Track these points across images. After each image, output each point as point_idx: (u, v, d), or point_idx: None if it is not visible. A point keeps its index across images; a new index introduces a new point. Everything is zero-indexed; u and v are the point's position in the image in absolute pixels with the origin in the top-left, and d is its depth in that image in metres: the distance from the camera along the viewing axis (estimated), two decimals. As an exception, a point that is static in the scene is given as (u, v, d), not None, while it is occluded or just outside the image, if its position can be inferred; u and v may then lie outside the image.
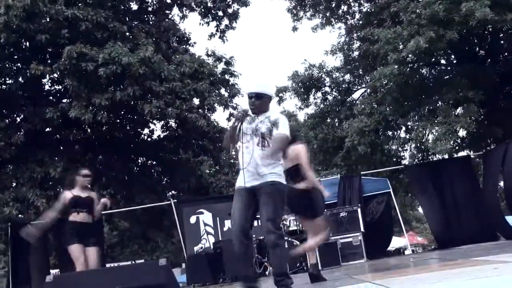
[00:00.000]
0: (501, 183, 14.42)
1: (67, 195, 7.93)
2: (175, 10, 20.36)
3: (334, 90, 22.91)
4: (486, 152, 14.16)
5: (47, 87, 17.73)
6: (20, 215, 15.51)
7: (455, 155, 18.09)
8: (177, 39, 19.82)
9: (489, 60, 18.28)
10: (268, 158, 5.17)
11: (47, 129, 16.44)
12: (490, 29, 16.38)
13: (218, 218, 13.56)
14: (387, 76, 16.15)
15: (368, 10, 21.28)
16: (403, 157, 21.96)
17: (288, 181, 5.96)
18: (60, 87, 17.20)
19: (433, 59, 18.19)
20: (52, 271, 13.48)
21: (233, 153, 5.06)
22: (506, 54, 18.32)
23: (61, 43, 14.91)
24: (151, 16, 19.61)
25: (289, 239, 10.44)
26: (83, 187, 8.02)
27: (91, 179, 8.25)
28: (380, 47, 16.11)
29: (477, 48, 18.53)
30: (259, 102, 5.43)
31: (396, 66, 15.99)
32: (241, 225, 5.20)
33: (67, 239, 7.71)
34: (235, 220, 5.25)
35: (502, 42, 18.14)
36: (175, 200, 14.45)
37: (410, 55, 15.68)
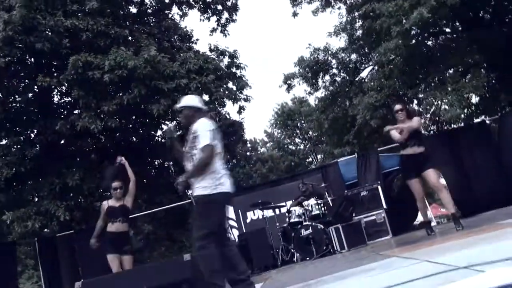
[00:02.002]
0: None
1: (104, 205, 8.48)
2: (175, 9, 20.40)
3: (341, 71, 22.81)
4: (501, 116, 13.99)
5: (56, 99, 17.83)
6: (46, 229, 15.65)
7: (471, 122, 17.91)
8: (179, 37, 19.82)
9: (494, 23, 18.05)
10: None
11: (62, 142, 16.57)
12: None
13: (240, 210, 13.58)
14: (393, 50, 16.03)
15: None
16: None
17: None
18: (69, 98, 17.29)
19: (437, 28, 18.00)
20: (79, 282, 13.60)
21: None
22: (511, 16, 18.07)
23: (64, 53, 14.98)
24: (151, 17, 19.62)
25: (313, 223, 10.43)
26: (118, 198, 8.38)
27: (122, 190, 8.55)
28: (383, 21, 15.98)
29: (482, 13, 18.30)
30: (183, 115, 5.91)
31: (400, 41, 15.83)
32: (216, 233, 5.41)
33: (106, 247, 8.17)
34: None
35: (506, 3, 17.88)
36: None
37: (414, 27, 15.50)
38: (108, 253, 8.07)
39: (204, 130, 5.57)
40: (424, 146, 8.08)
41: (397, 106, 8.31)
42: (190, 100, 6.04)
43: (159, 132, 19.31)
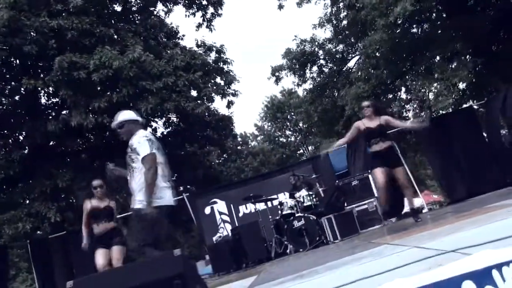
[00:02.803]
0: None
1: (87, 205, 8.21)
2: (159, 5, 20.34)
3: (329, 61, 22.86)
4: (487, 101, 14.08)
5: (43, 100, 17.78)
6: (38, 231, 15.63)
7: (460, 108, 18.00)
8: (165, 34, 19.77)
9: (478, 8, 18.10)
10: (133, 185, 5.59)
11: (51, 143, 16.52)
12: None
13: (232, 205, 13.61)
14: (378, 42, 16.07)
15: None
16: (407, 118, 21.91)
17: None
18: (57, 99, 17.23)
19: (422, 16, 18.05)
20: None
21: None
22: (494, 0, 18.14)
23: (50, 55, 14.92)
24: (137, 15, 19.55)
25: (305, 214, 10.45)
26: (99, 198, 8.15)
27: (103, 189, 8.30)
28: (367, 13, 16.01)
29: (466, -1, 18.35)
30: (123, 130, 5.92)
31: (385, 33, 15.86)
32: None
33: (93, 246, 8.04)
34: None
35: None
36: (187, 194, 14.49)
37: (398, 18, 15.52)
38: (95, 249, 7.96)
39: (142, 141, 5.64)
40: (391, 140, 8.28)
41: (365, 103, 8.61)
42: (128, 115, 6.06)
43: (149, 130, 19.28)
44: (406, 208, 18.20)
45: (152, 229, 5.41)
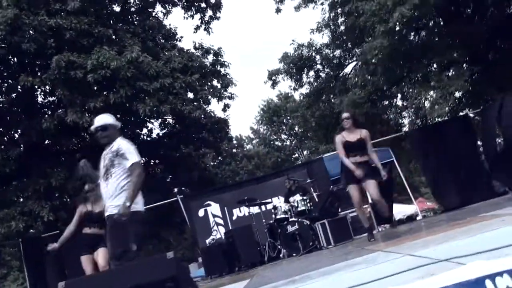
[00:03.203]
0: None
1: (82, 209, 8.18)
2: (158, 7, 20.36)
3: (326, 67, 22.87)
4: (483, 109, 14.11)
5: (40, 99, 17.75)
6: (31, 230, 15.57)
7: (456, 116, 18.07)
8: (163, 36, 19.79)
9: (476, 17, 18.17)
10: (110, 190, 5.54)
11: (46, 141, 16.49)
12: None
13: (226, 208, 13.59)
14: (377, 49, 16.09)
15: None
16: (403, 125, 21.97)
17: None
18: (54, 98, 17.22)
19: (420, 23, 18.10)
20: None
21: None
22: (492, 9, 18.20)
23: (48, 54, 14.92)
24: (135, 16, 19.57)
25: (299, 219, 10.45)
26: (94, 202, 8.12)
27: (94, 193, 8.25)
28: (367, 19, 16.02)
29: (463, 7, 18.41)
30: (107, 133, 5.82)
31: (385, 39, 15.86)
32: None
33: (79, 249, 8.06)
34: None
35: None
36: (182, 196, 14.46)
37: (397, 24, 15.53)
38: (82, 254, 7.99)
39: (130, 147, 5.69)
40: (368, 157, 8.06)
41: (345, 114, 8.35)
42: (110, 119, 6.01)
43: (144, 130, 19.30)
44: (400, 215, 18.20)
45: (129, 235, 5.39)
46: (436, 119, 18.43)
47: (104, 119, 5.96)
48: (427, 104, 18.34)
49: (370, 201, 11.74)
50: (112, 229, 5.45)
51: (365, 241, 9.25)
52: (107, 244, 5.43)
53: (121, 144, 5.70)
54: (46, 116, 15.69)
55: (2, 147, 16.01)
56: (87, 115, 15.00)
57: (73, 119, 14.54)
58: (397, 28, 16.70)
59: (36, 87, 15.89)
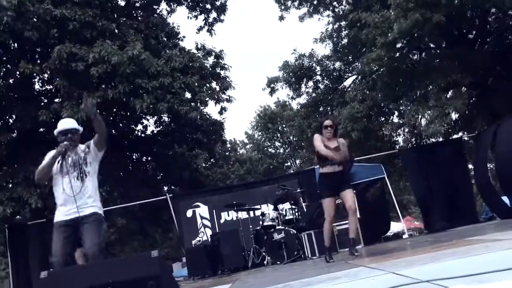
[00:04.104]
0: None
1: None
2: (163, 4, 20.36)
3: (325, 78, 22.92)
4: (478, 134, 14.20)
5: (37, 86, 17.71)
6: (18, 216, 15.53)
7: (449, 138, 18.14)
8: (166, 34, 19.78)
9: (478, 42, 18.28)
10: (89, 190, 5.56)
11: (40, 129, 16.44)
12: (478, 12, 16.32)
13: (214, 210, 13.59)
14: (375, 60, 16.15)
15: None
16: (397, 142, 22.03)
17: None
18: (51, 87, 17.18)
19: (422, 44, 18.19)
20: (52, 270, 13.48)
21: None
22: (494, 35, 18.32)
23: (50, 43, 14.91)
24: (139, 11, 19.57)
25: (286, 228, 10.47)
26: None
27: None
28: (369, 32, 16.09)
29: (466, 31, 18.52)
30: (77, 136, 5.88)
31: (383, 52, 15.92)
32: (64, 260, 5.36)
33: None
34: (58, 255, 5.41)
35: (489, 25, 18.13)
36: (171, 195, 14.46)
37: (397, 38, 15.58)
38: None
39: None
40: (344, 166, 7.81)
41: (328, 122, 7.92)
42: (76, 124, 6.12)
43: (140, 126, 19.30)
44: (389, 232, 18.20)
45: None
46: (431, 138, 18.48)
47: (75, 123, 6.08)
48: (423, 121, 18.40)
49: (358, 215, 11.81)
50: (99, 226, 5.48)
51: (349, 255, 9.28)
52: (90, 239, 5.37)
53: (88, 145, 5.79)
54: (42, 104, 15.60)
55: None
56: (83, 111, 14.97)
57: (69, 115, 14.52)
58: (399, 45, 16.80)
59: (35, 74, 15.85)
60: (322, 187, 7.82)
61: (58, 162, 5.63)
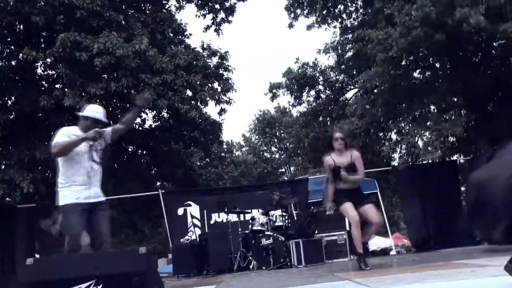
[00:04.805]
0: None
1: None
2: (172, 0, 20.39)
3: (327, 89, 22.95)
4: (473, 158, 14.24)
5: (39, 71, 17.68)
6: (7, 199, 15.49)
7: (446, 160, 18.17)
8: (173, 30, 19.78)
9: (481, 66, 18.32)
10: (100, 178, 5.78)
11: (39, 114, 16.42)
12: (484, 37, 16.36)
13: (205, 211, 13.56)
14: (374, 77, 16.19)
15: (364, 12, 21.26)
16: (393, 159, 22.05)
17: None
18: (53, 72, 17.17)
19: (426, 62, 18.23)
20: (37, 256, 13.44)
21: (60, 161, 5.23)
22: (498, 62, 18.36)
23: (56, 29, 14.90)
24: (148, 5, 19.55)
25: (275, 234, 10.48)
26: None
27: None
28: (372, 47, 16.13)
29: (471, 54, 18.55)
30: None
31: (381, 69, 15.95)
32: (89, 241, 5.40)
33: None
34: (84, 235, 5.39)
35: (494, 51, 18.16)
36: (163, 191, 14.44)
37: (398, 54, 15.59)
38: None
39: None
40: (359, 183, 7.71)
41: (338, 134, 7.86)
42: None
43: (138, 120, 19.28)
44: (374, 246, 18.16)
45: None
46: (429, 160, 18.56)
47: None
48: (420, 143, 18.48)
49: (347, 228, 11.82)
50: (106, 217, 5.66)
51: (335, 266, 9.29)
52: (106, 228, 5.56)
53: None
54: (43, 89, 15.55)
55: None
56: (84, 98, 14.97)
57: (71, 103, 14.53)
58: (403, 63, 16.82)
59: (38, 59, 15.84)
60: (340, 199, 7.57)
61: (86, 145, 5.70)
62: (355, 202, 7.41)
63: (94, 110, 6.01)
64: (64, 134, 5.67)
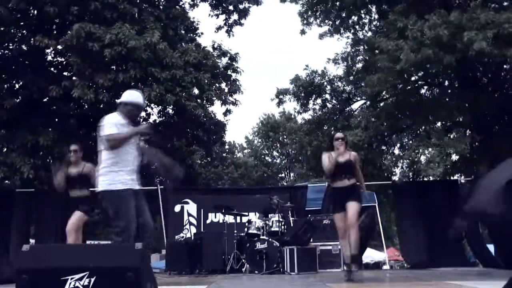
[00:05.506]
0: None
1: (65, 170, 8.32)
2: (187, -3, 20.43)
3: (333, 98, 22.92)
4: (475, 178, 14.23)
5: (49, 57, 17.72)
6: (6, 181, 15.53)
7: (447, 178, 18.15)
8: (185, 27, 19.81)
9: (490, 88, 18.31)
10: None
11: (45, 100, 16.46)
12: (491, 60, 16.35)
13: (202, 210, 13.59)
14: (376, 82, 16.17)
15: (378, 24, 21.26)
16: (394, 173, 22.04)
17: None
18: (63, 59, 17.23)
19: (435, 80, 18.23)
20: (32, 241, 13.47)
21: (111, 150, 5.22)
22: (506, 85, 18.34)
23: (69, 20, 14.97)
24: (162, 1, 19.60)
25: (270, 239, 10.48)
26: (74, 163, 8.21)
27: (77, 154, 8.40)
28: (382, 58, 16.10)
29: (480, 75, 18.53)
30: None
31: (384, 75, 15.93)
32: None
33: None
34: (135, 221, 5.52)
35: (504, 72, 18.15)
36: (162, 187, 14.45)
37: (406, 66, 15.57)
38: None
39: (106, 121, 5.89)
40: (356, 180, 7.73)
41: (339, 134, 8.03)
42: None
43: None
44: (368, 259, 18.10)
45: None
46: (429, 177, 18.54)
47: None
48: (423, 159, 18.46)
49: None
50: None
51: (328, 276, 9.29)
52: (148, 215, 5.82)
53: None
54: (54, 85, 15.49)
55: (0, 93, 15.95)
56: (92, 89, 15.03)
57: (79, 94, 14.59)
58: (413, 78, 16.80)
59: (49, 46, 15.88)
60: (331, 202, 7.84)
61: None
62: (346, 200, 7.50)
63: (134, 95, 6.12)
64: (114, 125, 5.68)
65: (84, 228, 8.29)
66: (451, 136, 17.24)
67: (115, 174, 5.54)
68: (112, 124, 5.69)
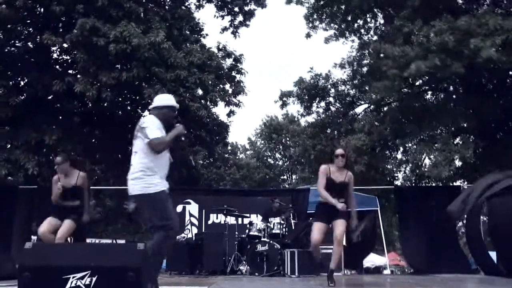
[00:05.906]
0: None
1: (55, 179, 8.27)
2: (193, -2, 20.47)
3: (337, 101, 22.90)
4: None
5: (55, 55, 17.76)
6: (9, 178, 15.54)
7: (450, 184, 18.11)
8: (190, 28, 19.83)
9: (495, 94, 18.28)
10: None
11: (49, 97, 16.49)
12: (498, 67, 16.33)
13: (204, 210, 13.57)
14: (381, 89, 16.15)
15: (383, 29, 21.24)
16: (397, 178, 21.99)
17: None
18: (68, 57, 17.26)
19: (440, 86, 18.20)
20: (34, 237, 13.47)
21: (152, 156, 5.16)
22: (512, 92, 18.34)
23: (75, 17, 15.01)
24: (168, 1, 19.63)
25: (271, 241, 10.47)
26: (64, 174, 8.20)
27: (63, 166, 8.29)
28: (387, 63, 16.09)
29: (485, 81, 18.52)
30: None
31: (390, 82, 15.91)
32: None
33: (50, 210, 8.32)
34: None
35: (509, 79, 18.12)
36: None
37: (411, 75, 15.55)
38: (51, 216, 8.12)
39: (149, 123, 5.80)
40: (347, 202, 7.49)
41: (339, 151, 7.75)
42: None
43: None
44: (369, 263, 18.12)
45: None
46: (432, 182, 18.48)
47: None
48: (427, 161, 18.40)
49: (344, 243, 11.79)
50: None
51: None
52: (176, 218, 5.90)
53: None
54: (57, 80, 15.54)
55: (5, 91, 15.98)
56: (95, 86, 15.04)
57: (81, 89, 14.61)
58: (417, 83, 16.77)
59: (56, 43, 15.92)
60: (318, 210, 7.75)
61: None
62: (330, 216, 7.41)
63: (167, 98, 6.11)
64: (157, 128, 5.60)
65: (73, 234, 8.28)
66: (456, 142, 17.20)
67: (151, 177, 5.52)
68: (156, 127, 5.59)
